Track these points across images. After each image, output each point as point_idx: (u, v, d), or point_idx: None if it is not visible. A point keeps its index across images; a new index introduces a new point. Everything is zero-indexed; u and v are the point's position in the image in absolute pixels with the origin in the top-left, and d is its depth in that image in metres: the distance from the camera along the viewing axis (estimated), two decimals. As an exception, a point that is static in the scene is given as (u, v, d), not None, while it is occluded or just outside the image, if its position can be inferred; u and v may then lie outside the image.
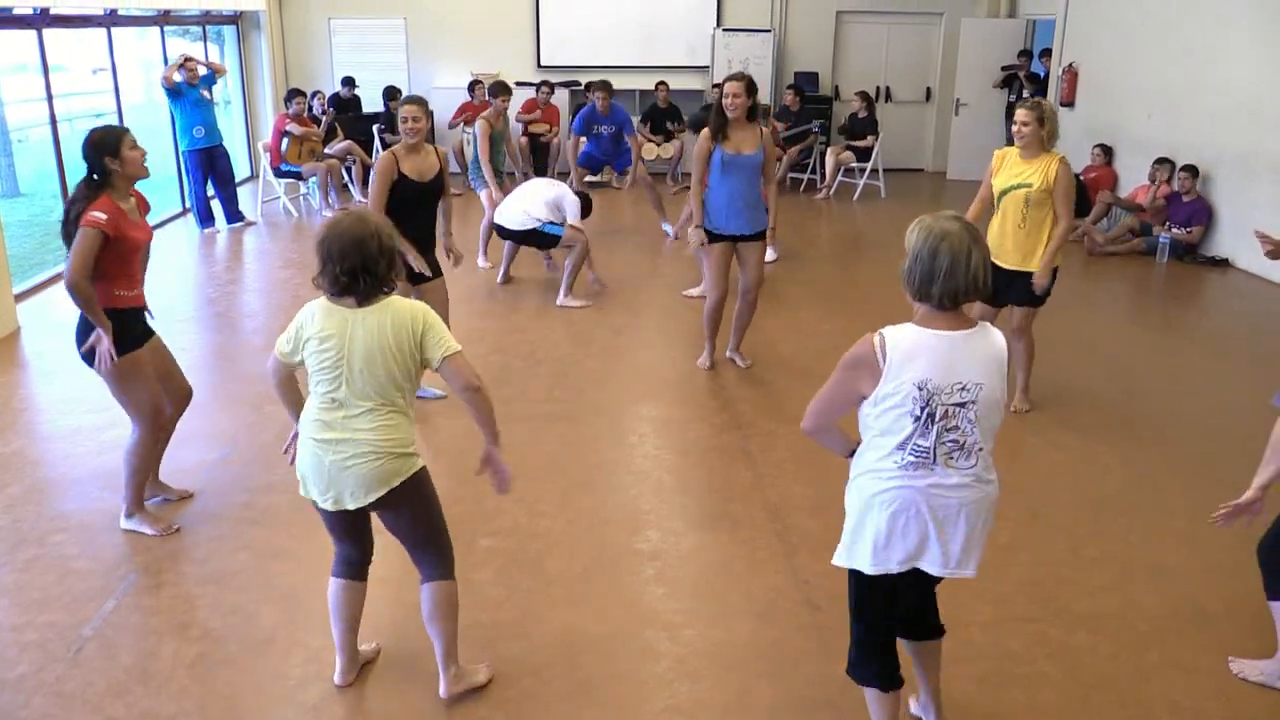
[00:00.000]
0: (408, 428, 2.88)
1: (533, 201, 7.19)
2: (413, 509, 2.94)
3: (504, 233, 7.37)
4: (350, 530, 3.03)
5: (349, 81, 11.96)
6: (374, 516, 3.02)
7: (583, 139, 9.53)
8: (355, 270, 2.71)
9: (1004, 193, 4.98)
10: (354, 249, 2.70)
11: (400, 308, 2.80)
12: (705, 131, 5.49)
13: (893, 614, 2.65)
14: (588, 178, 9.78)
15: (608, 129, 9.18)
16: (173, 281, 8.09)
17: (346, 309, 2.77)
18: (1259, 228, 3.23)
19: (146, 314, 4.08)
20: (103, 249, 3.69)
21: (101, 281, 3.79)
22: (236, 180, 10.19)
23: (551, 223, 7.19)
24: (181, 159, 9.80)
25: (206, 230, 9.67)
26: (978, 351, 2.40)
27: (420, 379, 2.93)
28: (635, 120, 11.05)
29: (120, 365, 3.85)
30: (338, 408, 2.81)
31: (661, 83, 11.97)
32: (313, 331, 2.79)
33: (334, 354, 2.77)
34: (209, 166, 9.54)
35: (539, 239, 7.22)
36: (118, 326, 3.86)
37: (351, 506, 2.85)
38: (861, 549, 2.54)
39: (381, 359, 2.75)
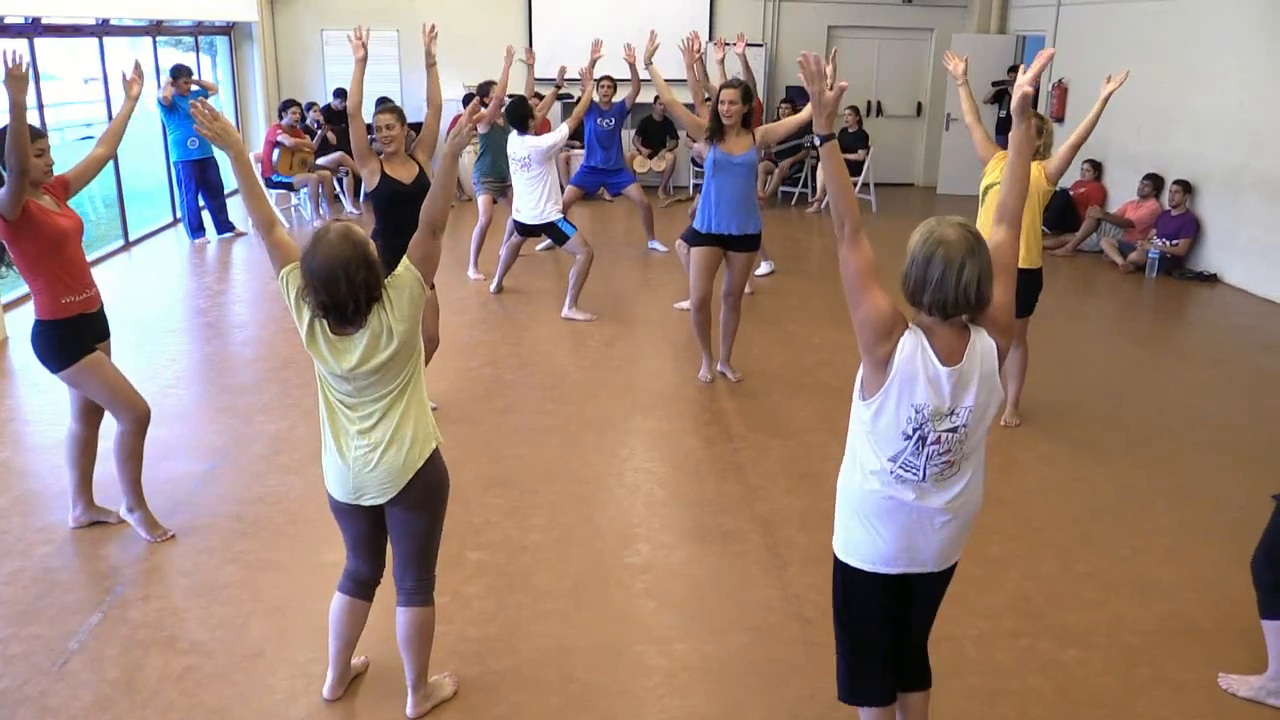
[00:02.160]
0: (421, 410, 2.83)
1: (540, 190, 7.12)
2: (427, 516, 2.90)
3: (524, 229, 7.37)
4: (367, 538, 2.99)
5: (341, 93, 11.95)
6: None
7: (579, 151, 9.52)
8: (340, 301, 2.61)
9: (989, 187, 5.06)
10: (337, 277, 2.59)
11: (379, 312, 2.70)
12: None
13: (881, 619, 2.62)
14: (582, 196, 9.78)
15: (608, 122, 9.19)
16: (163, 292, 8.07)
17: (342, 339, 2.70)
18: None
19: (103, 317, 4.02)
20: (29, 240, 3.67)
21: (44, 287, 3.76)
22: (226, 191, 10.18)
23: (565, 219, 7.23)
24: (173, 170, 9.78)
25: (197, 240, 9.66)
26: (969, 380, 2.37)
27: (422, 345, 2.88)
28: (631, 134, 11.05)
29: (76, 371, 3.84)
30: (352, 408, 2.79)
31: (657, 96, 11.98)
32: (307, 342, 2.75)
33: (336, 375, 2.74)
34: (200, 178, 9.54)
35: (554, 232, 7.22)
36: (67, 335, 3.82)
37: (380, 501, 2.84)
38: (853, 547, 2.54)
39: (379, 361, 2.71)
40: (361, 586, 3.06)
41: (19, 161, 3.51)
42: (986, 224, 5.04)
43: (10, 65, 3.46)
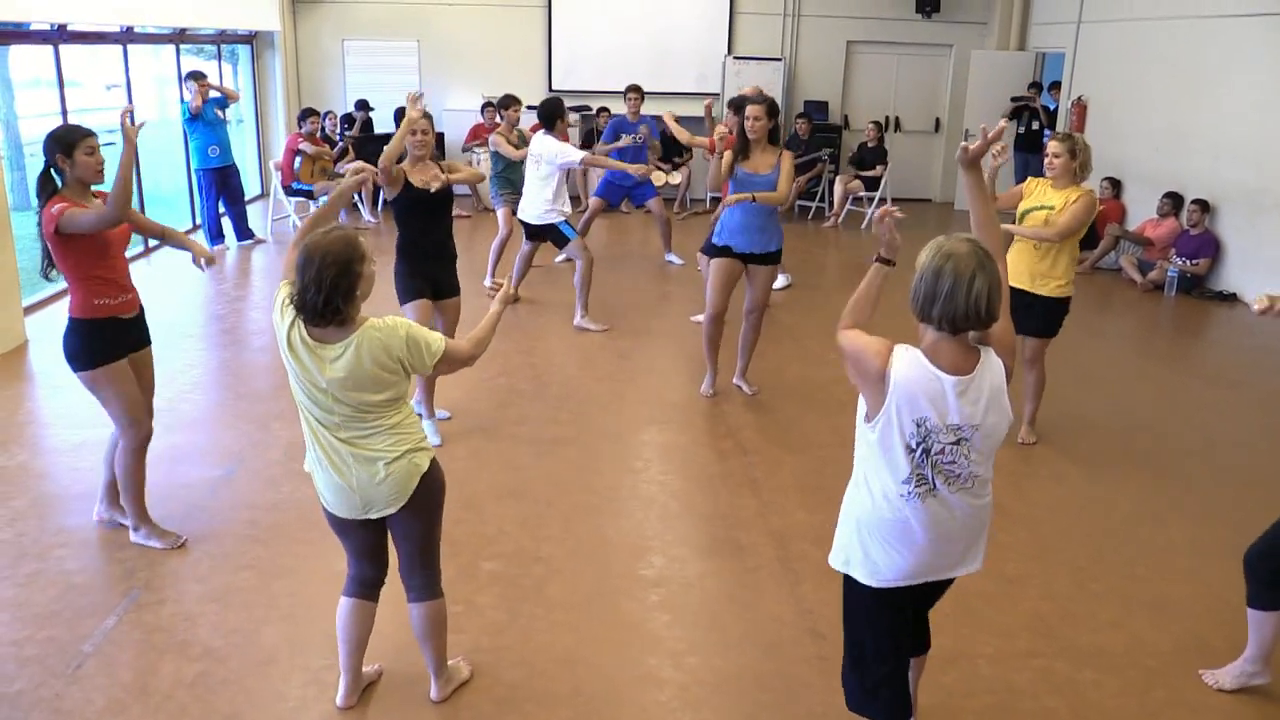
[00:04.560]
0: (408, 424, 2.89)
1: (548, 191, 7.17)
2: (428, 516, 2.96)
3: (528, 230, 7.41)
4: (372, 545, 3.03)
5: (362, 104, 12.05)
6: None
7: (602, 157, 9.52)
8: (305, 284, 2.65)
9: (1026, 212, 5.03)
10: (313, 260, 2.64)
11: (372, 335, 2.73)
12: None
13: (900, 634, 2.62)
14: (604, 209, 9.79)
15: (635, 137, 9.19)
16: (181, 298, 8.12)
17: (321, 346, 2.72)
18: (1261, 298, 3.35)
19: (141, 323, 4.07)
20: (70, 245, 3.71)
21: (79, 286, 3.79)
22: (247, 198, 10.25)
23: (567, 222, 7.25)
24: (194, 177, 9.87)
25: (216, 247, 9.72)
26: (978, 394, 2.37)
27: (414, 380, 2.93)
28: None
29: (97, 375, 3.86)
30: (338, 429, 2.81)
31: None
32: (286, 348, 2.75)
33: (317, 396, 2.76)
34: (221, 185, 9.62)
35: (555, 235, 7.25)
36: (95, 336, 3.85)
37: (390, 512, 2.89)
38: (866, 566, 2.53)
39: (370, 385, 2.74)
40: (368, 588, 3.10)
41: (119, 209, 3.66)
42: (1022, 248, 5.04)
43: (129, 127, 3.66)
